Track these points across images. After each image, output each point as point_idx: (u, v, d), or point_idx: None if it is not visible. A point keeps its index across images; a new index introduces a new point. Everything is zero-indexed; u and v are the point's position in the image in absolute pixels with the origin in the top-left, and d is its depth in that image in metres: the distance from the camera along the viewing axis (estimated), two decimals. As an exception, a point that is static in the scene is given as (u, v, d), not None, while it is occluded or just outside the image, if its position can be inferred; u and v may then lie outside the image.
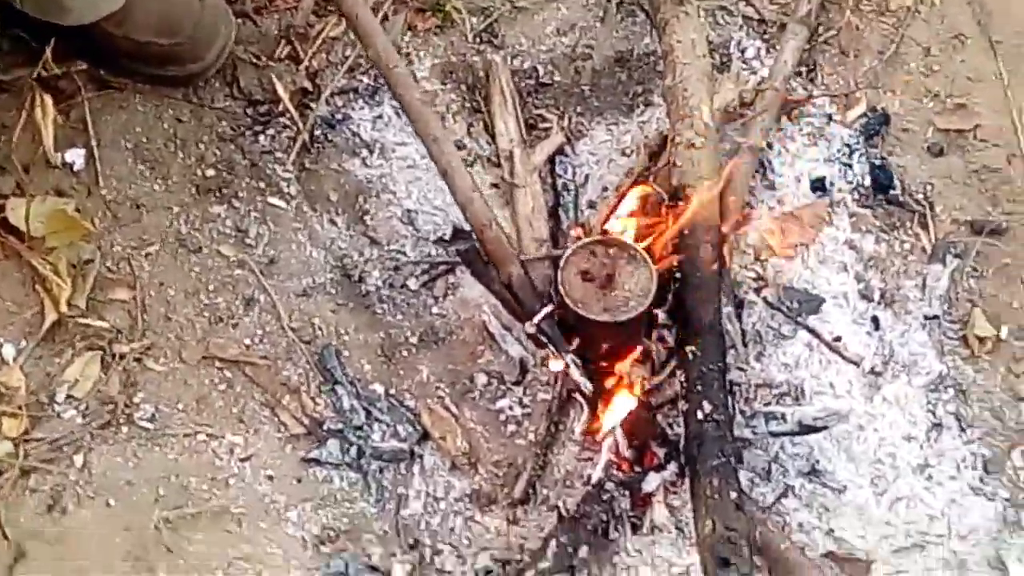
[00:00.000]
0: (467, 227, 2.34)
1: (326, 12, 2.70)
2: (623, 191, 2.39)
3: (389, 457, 2.32)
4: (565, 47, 2.71)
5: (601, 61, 2.70)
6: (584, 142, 2.61)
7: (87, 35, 2.51)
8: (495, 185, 2.54)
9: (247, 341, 2.41)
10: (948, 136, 2.64)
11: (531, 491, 2.30)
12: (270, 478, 2.31)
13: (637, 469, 2.25)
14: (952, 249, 2.53)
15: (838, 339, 2.41)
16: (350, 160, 2.57)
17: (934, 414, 2.39)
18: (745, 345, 2.39)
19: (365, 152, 2.58)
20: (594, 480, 2.25)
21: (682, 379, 2.19)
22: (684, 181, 2.31)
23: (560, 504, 2.26)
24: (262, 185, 2.54)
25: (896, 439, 2.36)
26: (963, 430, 2.38)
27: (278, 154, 2.57)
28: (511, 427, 2.36)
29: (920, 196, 2.58)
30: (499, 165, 2.55)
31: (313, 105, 2.60)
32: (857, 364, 2.40)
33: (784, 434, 2.30)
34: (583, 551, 2.20)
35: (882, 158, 2.61)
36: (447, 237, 2.42)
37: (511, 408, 2.36)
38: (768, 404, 2.34)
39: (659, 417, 2.27)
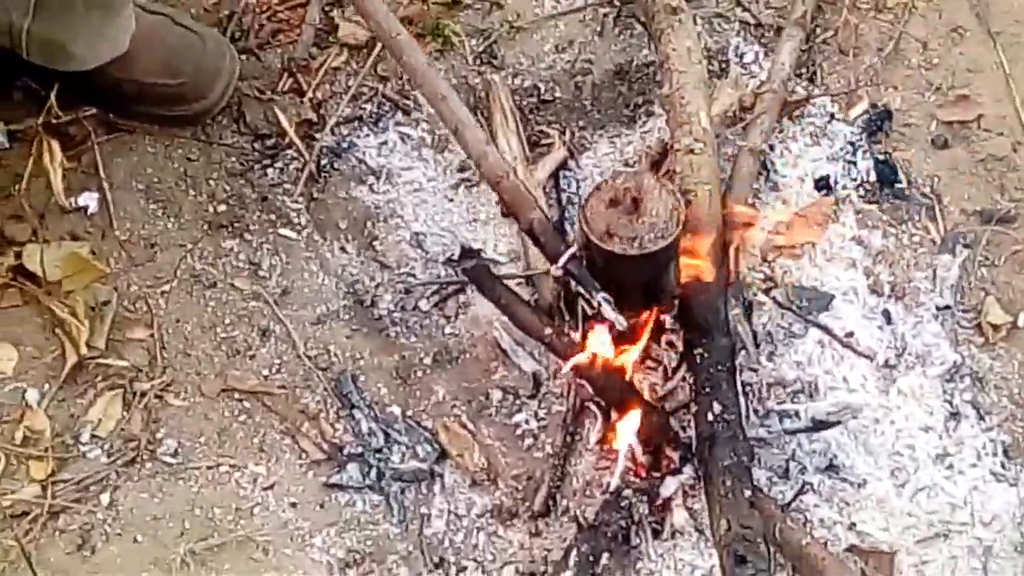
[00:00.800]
0: (474, 245, 2.36)
1: (327, 44, 2.74)
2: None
3: (410, 477, 2.34)
4: (564, 63, 2.73)
5: (601, 75, 2.72)
6: (587, 155, 2.63)
7: (93, 80, 2.55)
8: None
9: (265, 372, 2.44)
10: (952, 128, 2.65)
11: (551, 503, 2.31)
12: (293, 505, 2.33)
13: (654, 474, 2.26)
14: (962, 239, 2.54)
15: (850, 335, 2.42)
16: (357, 187, 2.60)
17: (951, 403, 2.38)
18: (757, 346, 2.40)
19: (372, 179, 2.61)
20: (612, 488, 2.25)
21: (691, 382, 2.20)
22: (685, 186, 2.32)
23: (580, 513, 2.27)
24: (272, 217, 2.57)
25: (914, 430, 2.36)
26: (981, 418, 2.38)
27: (287, 186, 2.60)
28: (528, 440, 2.37)
29: (927, 189, 2.59)
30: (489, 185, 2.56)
31: (319, 135, 2.63)
32: (871, 358, 2.40)
33: (799, 431, 2.30)
34: (605, 559, 2.22)
35: (886, 153, 2.61)
36: (456, 257, 2.44)
37: (527, 422, 2.38)
38: (782, 402, 2.35)
39: (673, 421, 2.27)
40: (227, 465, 2.36)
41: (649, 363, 2.31)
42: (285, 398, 2.41)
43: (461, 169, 2.60)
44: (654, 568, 2.25)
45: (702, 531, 2.26)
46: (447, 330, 2.47)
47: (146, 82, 2.58)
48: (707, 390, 2.16)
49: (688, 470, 2.25)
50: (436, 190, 2.59)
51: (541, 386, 2.39)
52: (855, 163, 2.59)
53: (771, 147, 2.59)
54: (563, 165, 2.61)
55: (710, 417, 2.13)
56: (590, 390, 2.29)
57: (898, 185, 2.58)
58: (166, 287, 2.51)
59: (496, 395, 2.41)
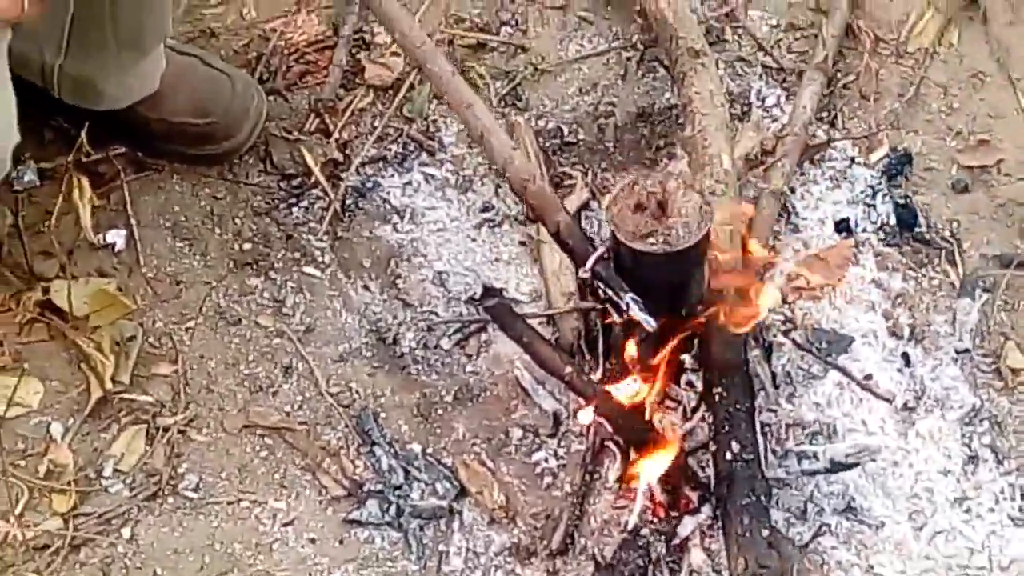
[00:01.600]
0: (496, 284, 2.38)
1: (353, 85, 2.77)
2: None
3: (429, 515, 2.35)
4: (588, 106, 2.76)
5: (624, 117, 2.75)
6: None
7: (123, 119, 2.60)
8: (523, 243, 2.59)
9: (287, 408, 2.46)
10: (972, 172, 2.67)
11: (569, 541, 2.32)
12: (312, 541, 2.35)
13: (672, 514, 2.26)
14: (981, 283, 2.54)
15: (869, 377, 2.42)
16: (381, 226, 2.63)
17: (969, 447, 2.39)
18: (776, 387, 2.41)
19: (396, 218, 2.63)
20: (630, 527, 2.26)
21: (710, 421, 2.21)
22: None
23: (598, 552, 2.28)
24: (297, 255, 2.60)
25: (932, 473, 2.36)
26: (1000, 462, 2.38)
27: (312, 224, 2.63)
28: (547, 479, 2.38)
29: (947, 233, 2.60)
30: (526, 223, 2.60)
31: (344, 175, 2.67)
32: (889, 401, 2.41)
33: (817, 472, 2.31)
34: (622, 598, 2.23)
35: (906, 197, 2.63)
36: (478, 296, 2.47)
37: (546, 460, 2.39)
38: (800, 443, 2.35)
39: (691, 461, 2.28)
40: (248, 500, 2.38)
41: (668, 403, 2.32)
42: (306, 434, 2.43)
43: (484, 209, 2.63)
44: (671, 608, 2.26)
45: (719, 571, 2.25)
46: (468, 368, 2.49)
47: (175, 121, 2.62)
48: (726, 429, 2.17)
49: (706, 510, 2.25)
50: (459, 230, 2.61)
51: (561, 425, 2.41)
52: (875, 206, 2.61)
53: (792, 190, 2.61)
54: (585, 206, 2.63)
55: (729, 456, 2.15)
56: (609, 429, 2.30)
57: (918, 229, 2.59)
58: (191, 324, 2.53)
59: (516, 433, 2.42)
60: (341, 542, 2.35)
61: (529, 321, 2.34)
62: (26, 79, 2.44)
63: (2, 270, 2.53)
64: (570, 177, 2.68)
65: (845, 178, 2.65)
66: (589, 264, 2.15)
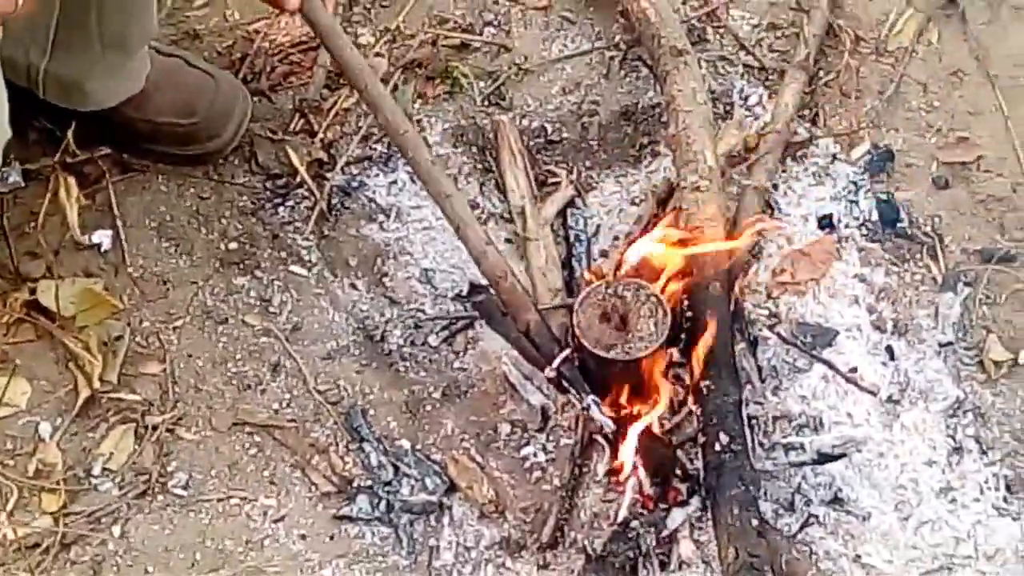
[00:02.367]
0: (483, 281, 2.40)
1: (338, 85, 2.78)
2: (633, 238, 2.44)
3: (419, 510, 2.36)
4: (571, 104, 2.78)
5: (607, 116, 2.77)
6: (594, 194, 2.67)
7: (108, 120, 2.60)
8: (509, 240, 2.61)
9: (275, 406, 2.47)
10: (952, 169, 2.70)
11: (559, 535, 2.33)
12: (303, 537, 2.35)
13: (661, 506, 2.28)
14: (963, 278, 2.57)
15: (854, 370, 2.45)
16: (367, 225, 2.64)
17: (954, 438, 2.41)
18: (762, 380, 2.43)
19: (382, 217, 2.64)
20: (620, 520, 2.28)
21: (699, 414, 2.23)
22: (691, 223, 2.36)
23: (588, 545, 2.29)
24: (283, 255, 2.61)
25: (917, 464, 2.38)
26: (984, 453, 2.40)
27: (297, 224, 2.64)
28: (536, 473, 2.39)
29: (928, 228, 2.63)
30: (512, 221, 2.61)
31: (329, 175, 2.67)
32: (874, 394, 2.43)
33: (804, 464, 2.33)
34: (612, 590, 2.24)
35: (888, 193, 2.65)
36: (464, 293, 2.48)
37: (535, 455, 2.40)
38: (787, 436, 2.37)
39: (680, 454, 2.29)
40: (238, 498, 2.38)
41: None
42: (295, 432, 2.44)
43: (471, 207, 2.63)
44: (661, 599, 2.27)
45: (708, 563, 2.27)
46: (456, 365, 2.50)
47: (160, 122, 2.62)
48: (714, 421, 2.19)
49: (695, 502, 2.27)
50: (445, 228, 2.60)
51: (549, 420, 2.42)
52: (857, 202, 2.63)
53: (775, 186, 2.63)
54: (570, 203, 2.65)
55: (717, 447, 2.16)
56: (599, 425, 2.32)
57: (900, 224, 2.62)
58: (178, 323, 2.54)
59: (504, 428, 2.43)
60: (331, 538, 2.35)
61: (517, 317, 2.36)
62: (11, 80, 2.44)
63: (-12, 271, 2.53)
64: (554, 175, 2.69)
65: (827, 175, 2.67)
66: (555, 364, 2.26)
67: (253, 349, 2.52)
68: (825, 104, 2.76)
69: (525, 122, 2.76)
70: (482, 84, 2.80)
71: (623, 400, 2.28)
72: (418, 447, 2.42)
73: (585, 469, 2.37)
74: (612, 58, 2.83)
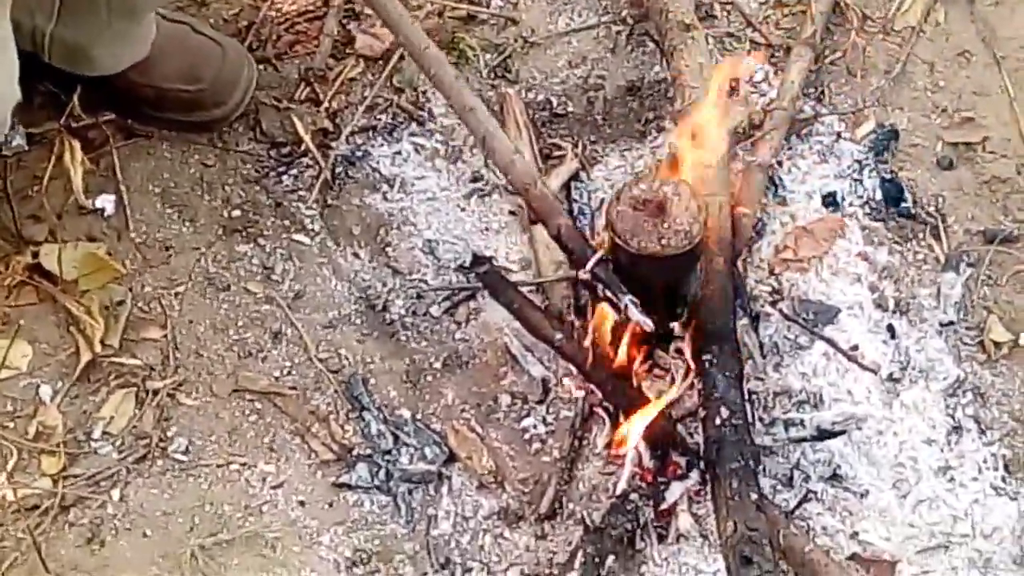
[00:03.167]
0: (486, 252, 2.40)
1: (343, 55, 2.78)
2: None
3: (418, 479, 2.37)
4: (577, 79, 2.78)
5: (613, 90, 2.76)
6: (599, 168, 2.67)
7: (113, 85, 2.60)
8: (512, 212, 2.60)
9: (276, 373, 2.47)
10: (957, 149, 2.70)
11: (557, 506, 2.34)
12: (302, 503, 2.36)
13: (660, 479, 2.28)
14: (965, 258, 2.57)
15: (855, 348, 2.45)
16: (371, 195, 2.64)
17: (953, 417, 2.42)
18: (763, 356, 2.43)
19: (385, 187, 2.64)
20: (619, 492, 2.28)
21: (700, 388, 2.23)
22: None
23: (586, 517, 2.29)
24: (286, 223, 2.61)
25: (916, 443, 2.39)
26: (983, 432, 2.41)
27: (301, 192, 2.64)
28: (535, 445, 2.40)
29: (932, 208, 2.63)
30: (516, 193, 2.60)
31: (334, 144, 2.67)
32: (875, 372, 2.43)
33: (803, 440, 2.33)
34: (610, 561, 2.24)
35: (892, 172, 2.66)
36: (467, 264, 2.48)
37: (535, 426, 2.41)
38: (787, 411, 2.38)
39: (680, 428, 2.30)
40: (237, 463, 2.39)
41: (657, 371, 2.33)
42: (296, 399, 2.44)
43: (474, 179, 2.65)
44: (659, 572, 2.28)
45: (707, 536, 2.28)
46: (457, 335, 2.50)
47: (165, 88, 2.62)
48: (715, 395, 2.18)
49: (694, 476, 2.27)
50: (449, 199, 2.62)
51: (550, 391, 2.42)
52: (861, 181, 2.63)
53: (779, 163, 2.63)
54: (575, 177, 2.65)
55: (718, 421, 2.16)
56: (599, 395, 2.32)
57: (904, 204, 2.62)
58: (180, 289, 2.54)
59: (505, 400, 2.44)
60: (330, 505, 2.36)
61: (519, 288, 2.35)
62: (17, 43, 2.44)
63: (-9, 234, 2.53)
64: (559, 149, 2.69)
65: (832, 153, 2.67)
66: (589, 266, 2.20)
67: (255, 316, 2.52)
68: (831, 82, 2.76)
69: (531, 95, 2.76)
70: (488, 56, 2.80)
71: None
72: (418, 416, 2.43)
73: (585, 441, 2.38)
74: (619, 32, 2.83)
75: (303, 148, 2.67)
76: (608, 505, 2.29)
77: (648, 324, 2.17)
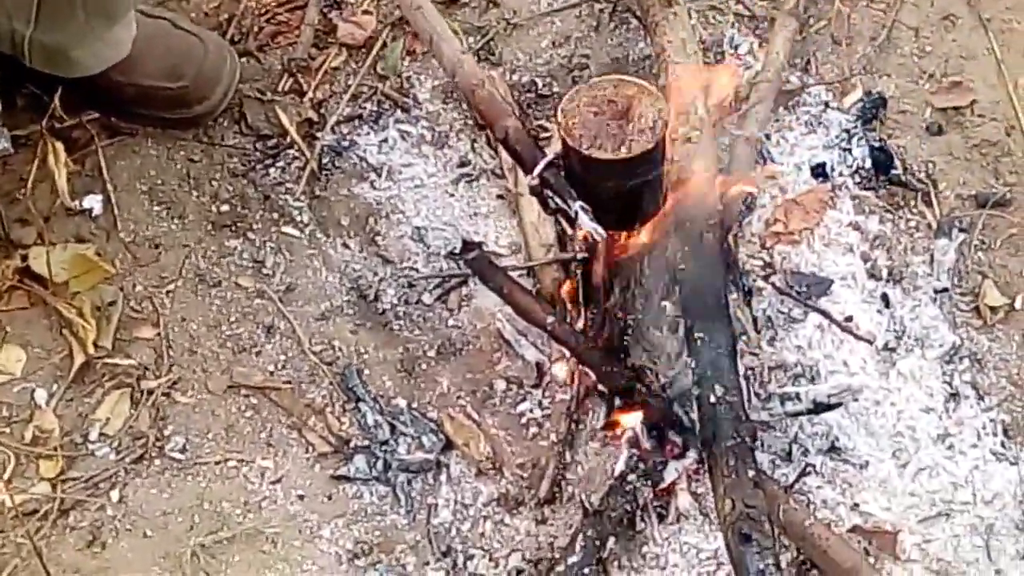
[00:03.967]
0: (476, 238, 2.39)
1: (326, 44, 2.77)
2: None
3: (416, 468, 2.36)
4: (561, 58, 2.77)
5: (598, 69, 2.75)
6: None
7: (95, 84, 2.58)
8: (501, 197, 2.59)
9: (270, 368, 2.46)
10: (946, 114, 2.68)
11: (556, 490, 2.33)
12: (301, 497, 2.35)
13: (658, 459, 2.27)
14: (958, 223, 2.56)
15: (849, 319, 2.43)
16: (359, 184, 2.63)
17: (951, 385, 2.41)
18: (757, 331, 2.42)
19: (373, 175, 2.63)
20: (617, 473, 2.28)
21: (693, 366, 2.22)
22: (683, 175, 2.34)
23: (585, 500, 2.29)
24: (275, 216, 2.60)
25: (914, 411, 2.38)
26: (981, 398, 2.40)
27: (289, 185, 2.63)
28: (532, 429, 2.40)
29: (922, 174, 2.62)
30: (504, 176, 2.60)
31: (319, 135, 2.66)
32: (870, 342, 2.42)
33: (800, 413, 2.32)
34: (611, 543, 2.24)
35: (881, 140, 2.64)
36: (457, 250, 2.47)
37: (531, 411, 2.41)
38: (783, 386, 2.37)
39: (675, 407, 2.29)
40: (235, 460, 2.39)
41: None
42: (291, 393, 2.44)
43: (461, 164, 2.64)
44: (660, 552, 2.28)
45: (707, 514, 2.28)
46: (450, 322, 2.50)
47: (148, 85, 2.61)
48: (709, 373, 2.17)
49: (691, 455, 2.27)
50: (437, 185, 2.61)
51: (545, 375, 2.42)
52: (851, 150, 2.62)
53: (767, 136, 2.62)
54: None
55: (712, 399, 2.14)
56: (593, 378, 2.31)
57: (894, 171, 2.61)
58: (171, 287, 2.53)
59: (500, 385, 2.43)
60: (329, 498, 2.35)
61: (509, 273, 2.34)
62: (-3, 49, 2.44)
63: (-21, 239, 2.52)
64: (546, 130, 2.68)
65: (820, 123, 2.66)
66: (537, 170, 2.06)
67: (247, 311, 2.52)
68: (816, 52, 2.75)
69: (515, 77, 2.74)
70: (471, 39, 2.78)
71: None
72: (414, 406, 2.42)
73: (581, 424, 2.37)
74: (602, 10, 2.81)
75: (289, 140, 2.66)
76: (607, 487, 2.29)
77: (600, 233, 2.02)
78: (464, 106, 2.70)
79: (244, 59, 2.72)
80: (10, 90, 2.60)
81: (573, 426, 2.37)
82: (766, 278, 2.48)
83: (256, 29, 2.78)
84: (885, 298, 2.48)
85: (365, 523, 2.33)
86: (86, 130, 2.64)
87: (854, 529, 2.29)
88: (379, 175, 2.64)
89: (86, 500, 2.34)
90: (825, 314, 2.43)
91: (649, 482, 2.27)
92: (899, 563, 2.27)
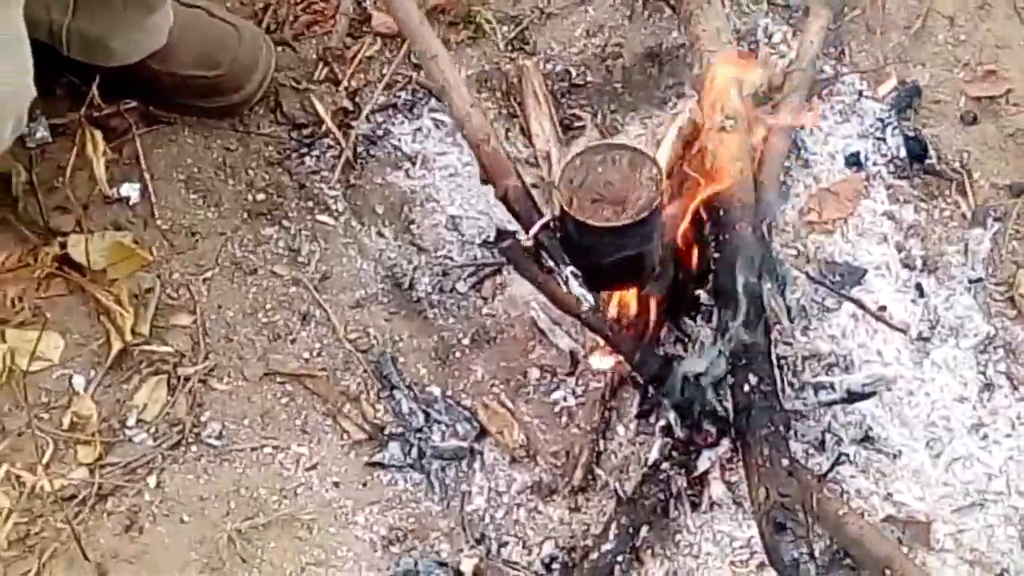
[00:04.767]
0: (510, 227, 2.39)
1: (361, 33, 2.78)
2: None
3: (450, 456, 2.38)
4: (595, 47, 2.77)
5: (631, 58, 2.75)
6: (619, 137, 2.66)
7: (133, 73, 2.60)
8: (535, 185, 2.59)
9: (306, 355, 2.48)
10: (980, 103, 2.68)
11: (590, 478, 2.34)
12: (336, 484, 2.37)
13: (691, 448, 2.28)
14: (992, 213, 2.56)
15: (883, 308, 2.44)
16: (393, 173, 2.64)
17: (984, 375, 2.41)
18: (791, 320, 2.42)
19: (407, 164, 2.65)
20: (651, 462, 2.29)
21: (727, 355, 2.22)
22: (717, 164, 2.35)
23: (619, 488, 2.30)
24: (310, 204, 2.61)
25: (948, 401, 2.38)
26: (1015, 388, 2.40)
27: (324, 173, 2.64)
28: (566, 417, 2.40)
29: (957, 164, 2.62)
30: (538, 165, 2.61)
31: (354, 123, 2.68)
32: (904, 331, 2.43)
33: (833, 403, 2.32)
34: (644, 531, 2.25)
35: (916, 129, 2.64)
36: (491, 239, 2.48)
37: (565, 399, 2.41)
38: (817, 375, 2.37)
39: (710, 395, 2.29)
40: (271, 447, 2.40)
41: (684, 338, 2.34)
42: (326, 380, 2.45)
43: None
44: (693, 540, 2.29)
45: (740, 503, 2.29)
46: (484, 311, 2.51)
47: (184, 74, 2.62)
48: (743, 362, 2.18)
49: (725, 443, 2.27)
50: (471, 174, 2.62)
51: (578, 364, 2.43)
52: (885, 139, 2.62)
53: (801, 126, 2.61)
54: (595, 148, 2.64)
55: (747, 388, 2.16)
56: (627, 366, 2.32)
57: (928, 161, 2.61)
58: (208, 274, 2.55)
59: (534, 373, 2.44)
60: (364, 485, 2.37)
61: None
62: (35, 37, 2.44)
63: (19, 226, 2.54)
64: (579, 119, 2.69)
65: (854, 112, 2.66)
66: (532, 231, 2.15)
67: (283, 299, 2.53)
68: (851, 40, 2.74)
69: (549, 66, 2.75)
70: (505, 29, 2.79)
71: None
72: (448, 393, 2.43)
73: (615, 412, 2.38)
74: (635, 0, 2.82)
75: (324, 129, 2.68)
76: (640, 475, 2.30)
77: (588, 300, 2.15)
78: (498, 95, 2.71)
79: (280, 48, 2.74)
80: (49, 79, 2.62)
81: (607, 414, 2.37)
82: (800, 267, 2.48)
83: (291, 18, 2.80)
84: (919, 288, 2.48)
85: (399, 510, 2.35)
86: (124, 119, 2.66)
87: (887, 519, 2.29)
88: (414, 164, 2.65)
89: (124, 485, 2.36)
90: (859, 303, 2.44)
91: (683, 471, 2.27)
92: (932, 553, 2.27)
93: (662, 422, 2.30)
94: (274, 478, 2.37)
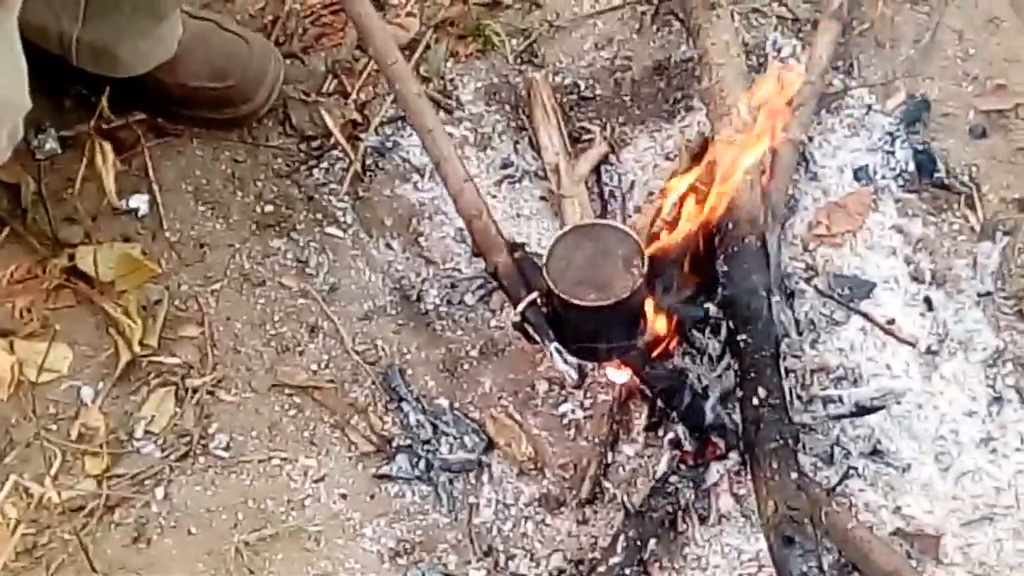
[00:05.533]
0: (518, 240, 2.40)
1: (370, 46, 2.78)
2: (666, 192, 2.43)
3: (458, 468, 2.37)
4: (604, 60, 2.77)
5: (640, 71, 2.76)
6: (628, 150, 2.66)
7: (142, 84, 2.60)
8: (543, 198, 2.60)
9: (314, 367, 2.48)
10: (989, 117, 2.67)
11: (598, 490, 2.34)
12: (344, 496, 2.37)
13: (700, 461, 2.28)
14: (1001, 226, 2.56)
15: (892, 322, 2.44)
16: (402, 185, 2.64)
17: (994, 388, 2.40)
18: (799, 333, 2.42)
19: (416, 176, 2.65)
20: (659, 475, 2.28)
21: (736, 368, 2.22)
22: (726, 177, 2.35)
23: (627, 500, 2.29)
24: (319, 216, 2.61)
25: (957, 415, 2.38)
26: (1024, 402, 2.40)
27: (332, 185, 2.64)
28: (574, 430, 2.40)
29: (965, 178, 2.61)
30: (546, 178, 2.61)
31: (363, 136, 2.68)
32: (913, 345, 2.42)
33: (842, 416, 2.32)
34: (652, 544, 2.25)
35: (924, 143, 2.64)
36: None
37: (573, 412, 2.41)
38: (825, 388, 2.37)
39: (719, 408, 2.29)
40: (278, 458, 2.40)
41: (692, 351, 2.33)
42: (334, 392, 2.45)
43: (504, 166, 2.65)
44: (701, 553, 2.28)
45: (748, 516, 2.28)
46: (492, 323, 2.51)
47: (193, 86, 2.63)
48: (752, 375, 2.18)
49: (733, 456, 2.27)
50: (480, 187, 2.61)
51: (587, 376, 2.41)
52: (894, 153, 2.62)
53: (810, 138, 2.61)
54: (604, 160, 2.65)
55: (755, 401, 2.16)
56: (635, 378, 2.32)
57: (937, 174, 2.60)
58: (216, 286, 2.55)
59: (542, 386, 2.44)
60: (372, 497, 2.37)
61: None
62: (44, 48, 2.46)
63: (28, 237, 2.55)
64: (588, 132, 2.69)
65: (863, 126, 2.66)
66: (519, 308, 2.20)
67: (291, 311, 2.53)
68: (860, 54, 2.74)
69: (558, 79, 2.75)
70: (514, 42, 2.79)
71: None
72: (456, 405, 2.43)
73: (623, 425, 2.38)
74: (644, 12, 2.82)
75: (333, 141, 2.68)
76: (648, 488, 2.29)
77: (573, 377, 2.19)
78: (506, 108, 2.72)
79: (289, 60, 2.74)
80: (58, 91, 2.63)
81: (614, 427, 2.37)
82: (808, 280, 2.49)
83: (300, 31, 2.80)
84: (928, 301, 2.47)
85: (407, 522, 2.35)
86: (133, 131, 2.67)
87: (896, 532, 2.28)
88: (422, 176, 2.65)
89: (131, 497, 2.36)
90: (867, 317, 2.44)
91: (691, 484, 2.27)
92: (941, 567, 2.27)
93: (670, 435, 2.29)
94: (282, 490, 2.37)
